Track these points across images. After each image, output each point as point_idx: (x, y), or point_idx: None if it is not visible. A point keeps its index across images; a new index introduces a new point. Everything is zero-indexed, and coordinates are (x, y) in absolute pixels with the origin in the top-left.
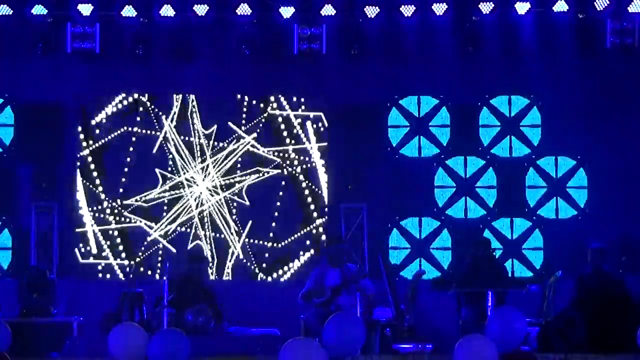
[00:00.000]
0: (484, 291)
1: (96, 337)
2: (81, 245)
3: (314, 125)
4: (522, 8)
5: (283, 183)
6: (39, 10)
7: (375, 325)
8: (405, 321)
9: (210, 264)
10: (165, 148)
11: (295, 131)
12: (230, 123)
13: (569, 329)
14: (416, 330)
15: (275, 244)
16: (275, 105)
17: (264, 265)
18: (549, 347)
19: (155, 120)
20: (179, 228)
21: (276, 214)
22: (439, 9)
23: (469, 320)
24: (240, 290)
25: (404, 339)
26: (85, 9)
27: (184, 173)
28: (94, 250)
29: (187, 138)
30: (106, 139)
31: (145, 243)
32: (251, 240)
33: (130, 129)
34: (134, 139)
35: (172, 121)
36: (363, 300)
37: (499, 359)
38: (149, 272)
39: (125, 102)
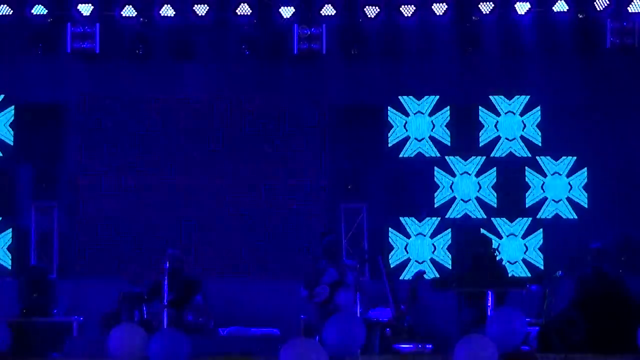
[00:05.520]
0: (484, 291)
1: (96, 337)
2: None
3: (314, 126)
4: (522, 8)
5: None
6: (39, 10)
7: (375, 325)
8: (405, 321)
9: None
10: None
11: (295, 131)
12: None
13: (569, 329)
14: (416, 330)
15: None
16: (275, 105)
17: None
18: (549, 347)
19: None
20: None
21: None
22: (439, 9)
23: (469, 320)
24: (240, 290)
25: (404, 339)
26: (85, 9)
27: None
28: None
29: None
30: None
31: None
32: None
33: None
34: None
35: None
36: (363, 300)
37: (499, 359)
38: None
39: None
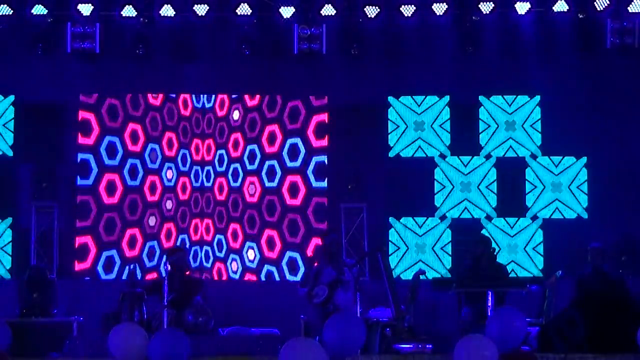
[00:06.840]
0: (484, 291)
1: (96, 337)
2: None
3: (314, 126)
4: (522, 8)
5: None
6: (39, 10)
7: (375, 325)
8: (405, 321)
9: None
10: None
11: (295, 131)
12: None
13: (569, 329)
14: (416, 330)
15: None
16: (275, 105)
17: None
18: (549, 347)
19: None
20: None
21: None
22: (439, 9)
23: (469, 320)
24: (240, 290)
25: (404, 339)
26: (85, 9)
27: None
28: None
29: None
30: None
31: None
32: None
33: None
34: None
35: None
36: (363, 300)
37: (499, 359)
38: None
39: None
